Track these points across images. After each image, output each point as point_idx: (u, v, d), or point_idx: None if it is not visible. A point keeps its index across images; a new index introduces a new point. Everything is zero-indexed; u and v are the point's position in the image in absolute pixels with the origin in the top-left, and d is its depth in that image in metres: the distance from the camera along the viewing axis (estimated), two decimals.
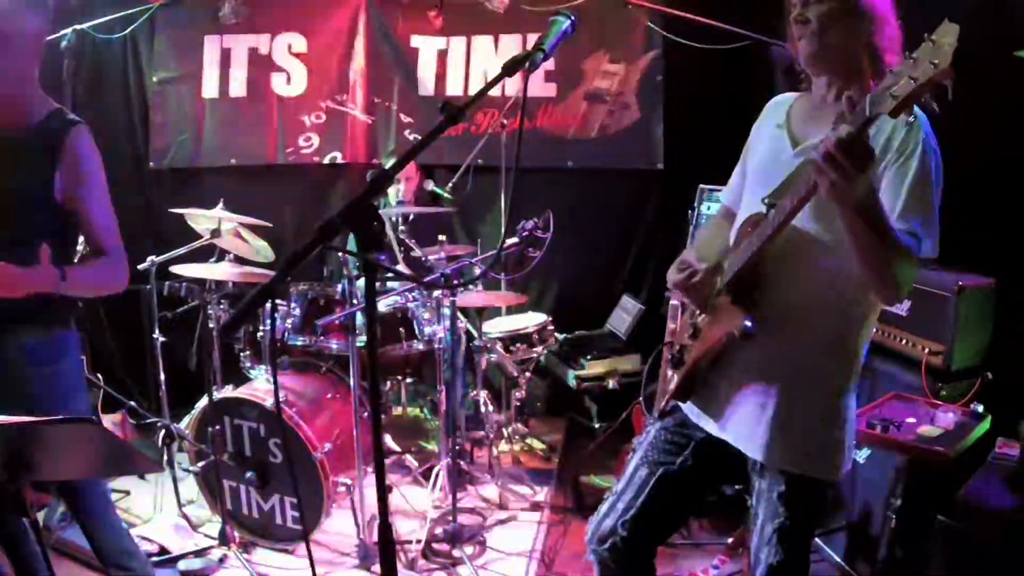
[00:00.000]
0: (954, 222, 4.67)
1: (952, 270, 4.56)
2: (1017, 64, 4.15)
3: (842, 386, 2.88)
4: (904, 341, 4.79)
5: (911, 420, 4.14)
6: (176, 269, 5.50)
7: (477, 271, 6.16)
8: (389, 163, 7.02)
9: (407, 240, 6.02)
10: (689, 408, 3.14)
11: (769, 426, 2.85)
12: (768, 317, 2.83)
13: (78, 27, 7.17)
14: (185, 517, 5.49)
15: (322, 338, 5.53)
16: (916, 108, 2.56)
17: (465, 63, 8.04)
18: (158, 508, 5.65)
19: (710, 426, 3.06)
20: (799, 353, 2.84)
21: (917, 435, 4.00)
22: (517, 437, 6.93)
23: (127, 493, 5.85)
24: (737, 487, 3.23)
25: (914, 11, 5.09)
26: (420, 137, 7.39)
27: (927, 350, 4.58)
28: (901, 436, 4.00)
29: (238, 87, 8.09)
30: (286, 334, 5.63)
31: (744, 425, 2.93)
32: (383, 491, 2.18)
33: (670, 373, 3.32)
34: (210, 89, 8.07)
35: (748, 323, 2.79)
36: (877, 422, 4.08)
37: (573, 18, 2.65)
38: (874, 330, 4.69)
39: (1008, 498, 3.84)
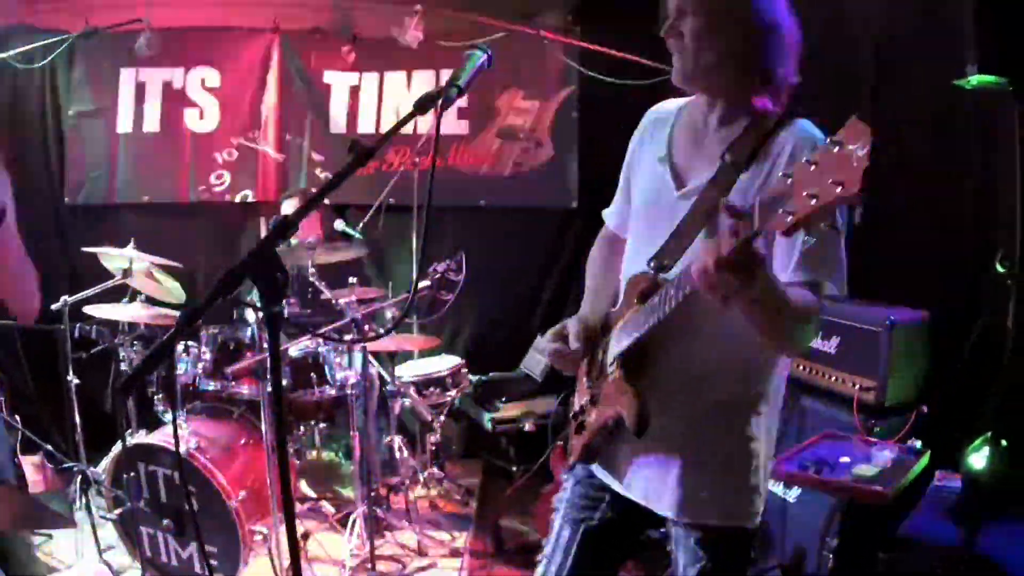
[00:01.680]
0: (890, 255, 4.83)
1: (883, 304, 4.58)
2: (954, 93, 4.16)
3: (751, 433, 2.81)
4: (834, 378, 4.74)
5: (845, 460, 4.08)
6: (89, 309, 5.54)
7: (388, 314, 6.19)
8: (288, 203, 7.17)
9: (316, 283, 6.05)
10: (596, 467, 3.11)
11: (675, 485, 2.80)
12: (664, 388, 2.74)
13: None
14: (107, 564, 5.48)
15: (233, 383, 5.57)
16: (809, 129, 2.69)
17: (378, 99, 8.15)
18: (79, 554, 5.62)
19: (616, 486, 3.02)
20: (700, 412, 2.78)
21: (853, 475, 3.94)
22: (434, 481, 6.95)
23: (50, 537, 5.82)
24: (662, 530, 3.27)
25: (861, 46, 5.16)
26: (330, 176, 7.57)
27: (858, 386, 4.56)
28: (836, 477, 3.96)
29: (152, 122, 8.10)
30: (197, 379, 5.66)
31: (650, 484, 2.89)
32: (295, 547, 2.18)
33: (573, 437, 3.20)
34: (124, 124, 8.07)
35: (635, 431, 2.68)
36: (810, 464, 4.04)
37: (489, 52, 2.63)
38: (800, 367, 4.82)
39: (951, 531, 3.80)
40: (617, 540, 3.19)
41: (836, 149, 1.87)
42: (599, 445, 2.97)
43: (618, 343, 2.83)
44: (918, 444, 4.23)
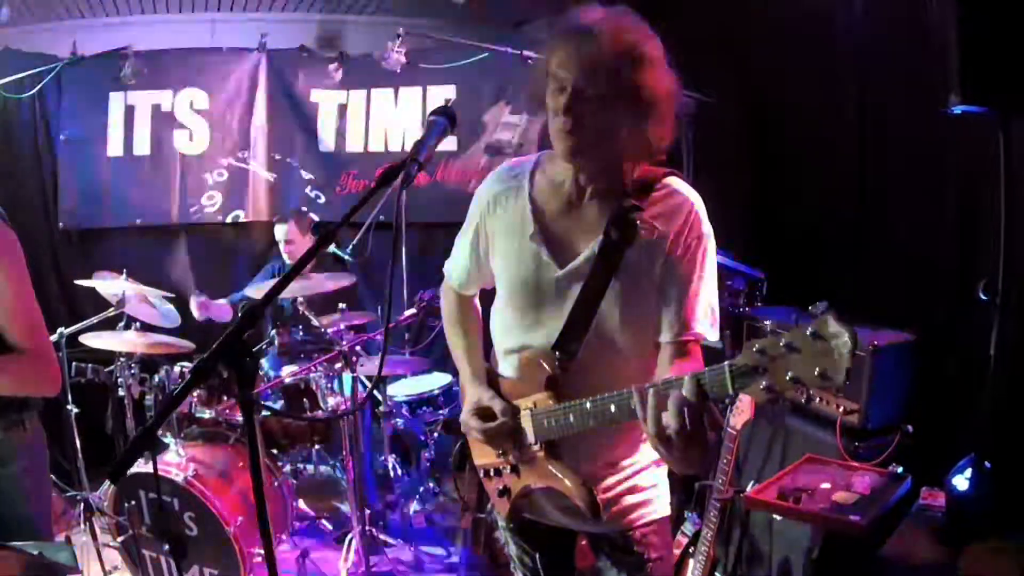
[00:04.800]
0: (875, 277, 4.89)
1: (868, 327, 4.55)
2: (939, 119, 4.16)
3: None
4: (819, 399, 4.67)
5: (826, 486, 4.09)
6: (86, 338, 5.73)
7: (379, 339, 6.39)
8: (280, 227, 7.24)
9: (305, 312, 6.23)
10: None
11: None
12: (581, 460, 2.94)
13: None
14: None
15: (227, 411, 5.77)
16: (686, 192, 2.84)
17: (365, 116, 8.38)
18: None
19: (545, 520, 3.16)
20: (617, 442, 3.03)
21: (832, 503, 3.95)
22: (429, 497, 7.07)
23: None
24: None
25: (847, 72, 5.23)
26: (322, 195, 7.81)
27: (842, 409, 4.52)
28: (815, 505, 3.96)
29: (142, 145, 8.34)
30: (193, 406, 5.84)
31: (578, 519, 3.02)
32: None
33: (493, 492, 3.29)
34: (115, 147, 8.31)
35: (592, 516, 2.84)
36: (789, 493, 4.04)
37: (452, 112, 2.72)
38: None
39: (934, 552, 3.77)
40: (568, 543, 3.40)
41: (815, 340, 2.06)
42: (525, 504, 3.13)
43: (535, 426, 2.92)
44: (899, 470, 4.26)
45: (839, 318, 2.04)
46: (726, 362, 2.25)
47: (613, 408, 2.60)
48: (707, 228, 2.84)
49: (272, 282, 4.99)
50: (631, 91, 2.61)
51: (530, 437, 2.96)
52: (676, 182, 2.88)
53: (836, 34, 5.41)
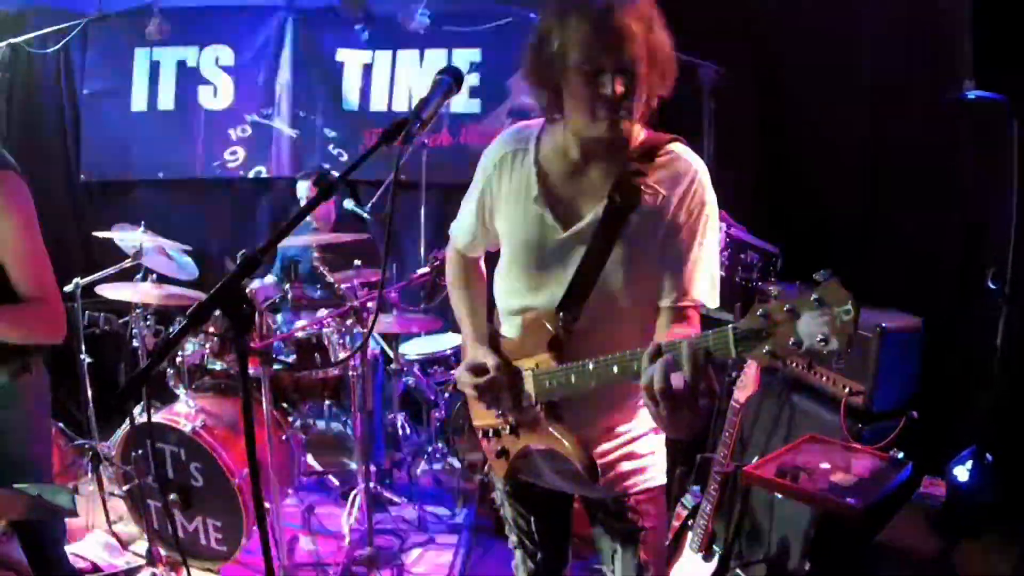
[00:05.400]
0: (886, 261, 4.86)
1: (879, 309, 4.47)
2: (951, 107, 4.19)
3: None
4: (825, 378, 4.63)
5: (825, 466, 4.01)
6: (102, 289, 5.75)
7: (393, 296, 6.47)
8: (302, 184, 7.32)
9: (320, 267, 6.28)
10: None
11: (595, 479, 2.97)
12: (581, 420, 2.98)
13: (12, 41, 7.44)
14: (115, 535, 5.79)
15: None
16: (688, 157, 2.87)
17: (390, 77, 8.37)
18: (89, 526, 5.90)
19: (540, 482, 3.26)
20: (616, 408, 3.10)
21: (830, 484, 3.87)
22: (438, 456, 7.13)
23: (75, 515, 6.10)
24: None
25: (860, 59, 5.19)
26: (344, 153, 7.84)
27: (848, 390, 4.45)
28: (812, 485, 3.87)
29: (167, 100, 8.40)
30: (205, 357, 5.90)
31: (574, 483, 3.15)
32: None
33: (491, 453, 3.33)
34: (139, 102, 8.36)
35: (590, 479, 2.89)
36: (788, 470, 3.95)
37: (459, 73, 2.74)
38: (794, 364, 4.74)
39: (931, 542, 3.76)
40: (564, 507, 3.48)
41: (818, 306, 2.09)
42: (522, 465, 3.19)
43: (537, 386, 2.97)
44: (900, 455, 4.16)
45: (843, 286, 2.07)
46: (730, 325, 2.29)
47: (615, 369, 2.63)
48: (710, 196, 2.85)
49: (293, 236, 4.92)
50: (652, 56, 2.65)
51: (531, 398, 3.00)
52: (680, 148, 2.90)
53: (852, 14, 5.36)
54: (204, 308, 2.09)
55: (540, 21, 2.77)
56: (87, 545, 5.74)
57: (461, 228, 3.33)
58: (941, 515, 3.87)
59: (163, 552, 5.45)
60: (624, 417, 3.11)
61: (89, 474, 5.86)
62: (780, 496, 4.49)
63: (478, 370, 3.12)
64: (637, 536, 3.18)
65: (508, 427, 3.17)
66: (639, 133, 2.89)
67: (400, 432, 6.98)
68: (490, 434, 3.28)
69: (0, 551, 5.23)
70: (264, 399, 5.27)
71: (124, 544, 5.78)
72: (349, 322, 6.04)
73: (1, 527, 5.38)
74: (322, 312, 6.21)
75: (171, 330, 5.84)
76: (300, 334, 6.04)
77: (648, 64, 2.65)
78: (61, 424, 5.89)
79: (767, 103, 6.15)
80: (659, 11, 2.70)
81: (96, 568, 5.50)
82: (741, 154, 6.11)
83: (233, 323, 2.12)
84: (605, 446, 3.10)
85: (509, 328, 3.18)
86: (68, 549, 5.24)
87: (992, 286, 3.89)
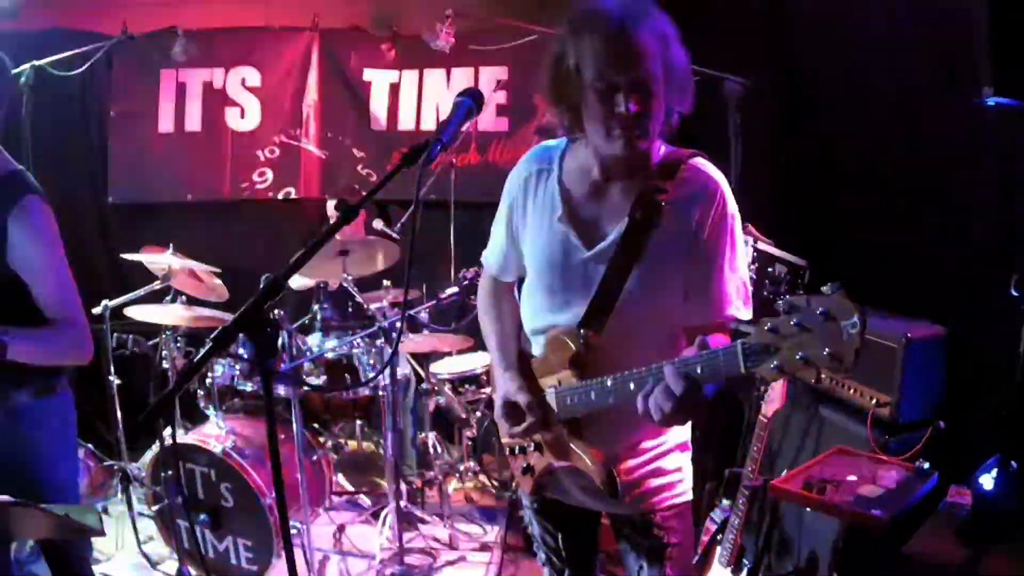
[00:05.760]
0: (910, 269, 4.80)
1: (903, 318, 4.49)
2: (974, 113, 4.14)
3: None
4: (852, 390, 4.62)
5: (852, 478, 4.04)
6: (131, 311, 5.80)
7: (423, 316, 6.46)
8: (334, 204, 7.36)
9: (350, 288, 6.26)
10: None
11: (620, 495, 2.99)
12: (602, 436, 2.99)
13: (37, 63, 7.47)
14: (145, 555, 5.81)
15: None
16: (708, 171, 2.89)
17: (417, 96, 8.38)
18: (119, 546, 5.97)
19: (566, 499, 3.24)
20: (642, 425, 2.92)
21: (856, 496, 3.89)
22: (470, 475, 7.11)
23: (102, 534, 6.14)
24: None
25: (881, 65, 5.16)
26: (373, 173, 7.87)
27: (875, 401, 4.44)
28: (838, 497, 3.90)
29: (193, 121, 8.41)
30: (235, 379, 5.94)
31: (600, 500, 3.13)
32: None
33: (517, 470, 3.36)
34: (166, 124, 8.38)
35: (609, 495, 2.94)
36: (815, 483, 3.97)
37: (478, 96, 2.75)
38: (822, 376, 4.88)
39: (958, 552, 3.67)
40: (591, 524, 3.47)
41: (824, 320, 2.09)
42: (548, 482, 3.20)
43: (559, 403, 3.02)
44: (926, 465, 4.15)
45: (849, 299, 2.07)
46: (739, 340, 2.31)
47: (632, 386, 2.66)
48: (733, 207, 2.87)
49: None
50: (669, 74, 2.67)
51: (553, 415, 3.05)
52: (701, 162, 2.91)
53: (872, 25, 5.31)
54: (228, 332, 2.14)
55: (557, 38, 2.79)
56: (116, 565, 5.79)
57: (493, 252, 3.37)
58: (967, 524, 3.80)
59: (193, 572, 5.47)
60: (650, 434, 3.11)
61: (119, 494, 5.90)
62: (808, 509, 4.43)
63: (513, 413, 3.13)
64: (663, 552, 3.17)
65: (533, 444, 3.20)
66: (660, 149, 2.90)
67: (431, 451, 6.94)
68: (516, 451, 3.30)
69: (26, 570, 5.28)
70: (295, 420, 5.32)
71: (153, 564, 5.81)
72: (379, 342, 6.04)
73: (28, 546, 5.44)
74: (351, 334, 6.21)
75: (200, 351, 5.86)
76: (330, 355, 6.06)
77: (664, 81, 2.66)
78: (90, 445, 5.91)
79: (792, 116, 6.11)
80: (677, 28, 2.71)
81: None
82: (767, 167, 6.08)
83: (256, 346, 2.16)
84: (631, 463, 3.10)
85: (536, 347, 3.20)
86: (97, 569, 5.29)
87: (1015, 293, 3.85)
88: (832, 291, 2.10)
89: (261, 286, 2.16)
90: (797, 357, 2.14)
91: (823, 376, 2.15)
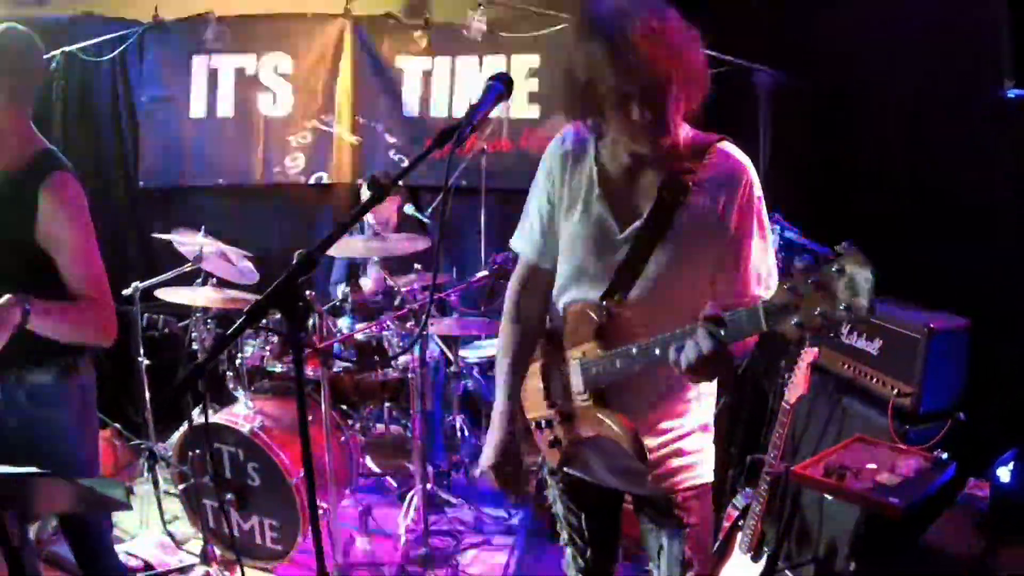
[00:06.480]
0: (933, 262, 4.82)
1: (926, 309, 4.55)
2: (994, 103, 4.19)
3: (703, 400, 3.19)
4: (874, 380, 4.69)
5: (872, 466, 4.08)
6: (161, 292, 5.89)
7: (453, 298, 6.54)
8: (364, 190, 7.39)
9: (381, 270, 6.34)
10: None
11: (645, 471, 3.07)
12: (628, 404, 3.03)
13: (67, 49, 7.52)
14: (170, 535, 5.90)
15: None
16: (738, 155, 2.92)
17: (450, 83, 8.38)
18: (144, 524, 6.04)
19: (590, 478, 3.29)
20: (665, 405, 3.12)
21: (875, 484, 3.94)
22: None
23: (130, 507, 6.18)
24: None
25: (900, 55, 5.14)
26: (405, 159, 7.91)
27: (896, 391, 4.49)
28: (857, 484, 3.95)
29: (225, 107, 8.44)
30: (265, 360, 6.03)
31: (623, 478, 3.21)
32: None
33: (545, 448, 3.38)
34: (198, 109, 8.41)
35: (640, 460, 2.98)
36: (834, 470, 4.02)
37: (508, 79, 2.76)
38: (844, 366, 4.87)
39: (976, 543, 3.70)
40: (613, 505, 3.53)
41: (839, 276, 2.16)
42: (575, 454, 3.24)
43: (584, 374, 3.07)
44: (944, 456, 4.20)
45: (861, 254, 2.15)
46: (760, 301, 2.39)
47: (657, 351, 2.72)
48: (759, 191, 2.90)
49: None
50: (682, 74, 2.65)
51: (579, 387, 3.10)
52: (728, 147, 2.94)
53: (896, 21, 5.34)
54: (261, 305, 2.22)
55: (566, 54, 2.81)
56: (140, 544, 5.85)
57: (529, 234, 3.29)
58: (985, 517, 3.84)
59: (218, 551, 5.54)
60: (672, 414, 3.14)
61: (145, 474, 5.99)
62: (829, 497, 4.47)
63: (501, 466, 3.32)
64: (682, 532, 3.21)
65: (559, 416, 3.24)
66: (686, 132, 2.92)
67: (459, 434, 7.03)
68: (542, 425, 3.33)
69: (49, 551, 5.32)
70: (323, 401, 5.37)
71: (178, 543, 5.88)
72: (409, 324, 6.10)
73: (50, 527, 5.48)
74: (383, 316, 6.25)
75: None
76: (360, 336, 6.10)
77: (679, 82, 2.65)
78: (118, 425, 5.97)
79: (821, 106, 6.11)
80: (687, 26, 2.70)
81: (148, 566, 5.59)
82: (796, 157, 6.07)
83: (289, 320, 2.24)
84: (653, 443, 3.10)
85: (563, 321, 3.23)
86: (122, 548, 5.33)
87: None
88: (846, 248, 2.17)
89: (294, 261, 2.22)
90: (815, 312, 2.22)
91: (843, 329, 2.21)
